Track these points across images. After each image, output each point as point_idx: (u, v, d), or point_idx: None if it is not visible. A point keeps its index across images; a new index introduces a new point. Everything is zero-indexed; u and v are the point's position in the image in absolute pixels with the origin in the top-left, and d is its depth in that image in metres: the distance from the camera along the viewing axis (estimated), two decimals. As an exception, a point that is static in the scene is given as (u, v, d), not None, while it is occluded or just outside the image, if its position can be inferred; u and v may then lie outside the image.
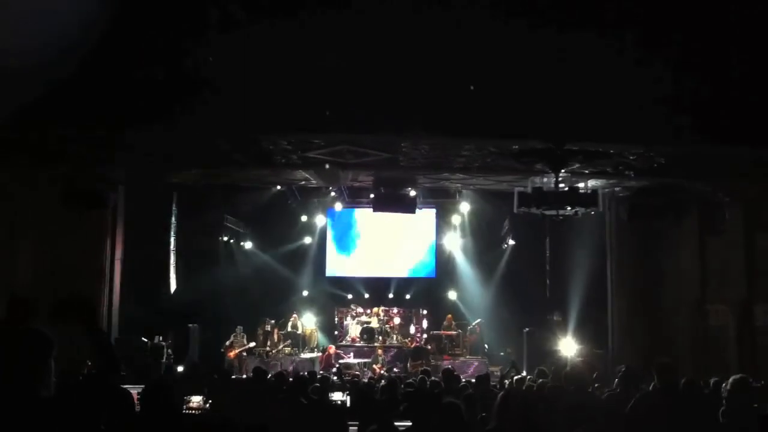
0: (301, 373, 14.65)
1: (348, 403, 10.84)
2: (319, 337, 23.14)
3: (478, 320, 22.45)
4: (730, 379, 7.11)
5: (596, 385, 10.89)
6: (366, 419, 6.96)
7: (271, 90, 11.34)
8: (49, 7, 9.42)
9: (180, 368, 17.19)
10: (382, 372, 19.25)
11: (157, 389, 5.44)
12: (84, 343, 4.10)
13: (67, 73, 10.26)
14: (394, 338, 22.89)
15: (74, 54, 9.99)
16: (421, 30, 10.93)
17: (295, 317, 22.68)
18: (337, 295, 24.75)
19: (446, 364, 20.05)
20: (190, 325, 20.24)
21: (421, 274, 24.92)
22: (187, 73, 11.24)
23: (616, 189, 17.09)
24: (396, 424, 6.46)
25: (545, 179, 14.53)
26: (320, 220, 24.46)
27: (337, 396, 11.13)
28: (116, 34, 10.44)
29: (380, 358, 20.63)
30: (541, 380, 10.09)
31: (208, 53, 11.02)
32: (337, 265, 25.00)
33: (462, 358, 21.47)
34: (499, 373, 18.64)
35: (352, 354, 21.54)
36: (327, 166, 15.20)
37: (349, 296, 24.67)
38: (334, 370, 18.71)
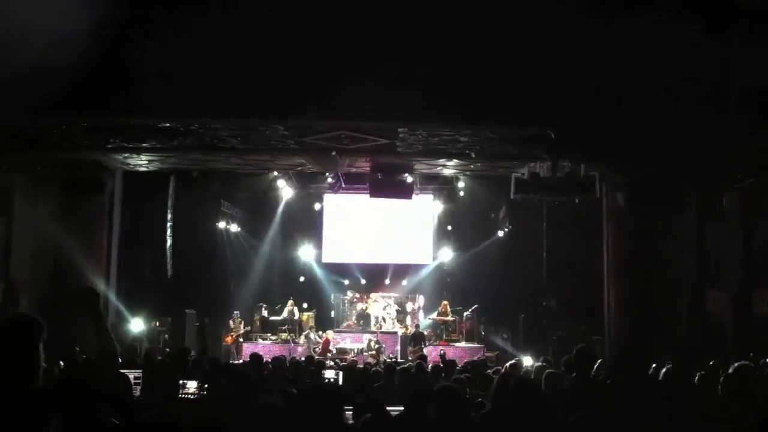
0: (298, 359, 14.73)
1: (340, 381, 10.86)
2: (316, 323, 23.15)
3: (474, 306, 22.46)
4: (732, 367, 7.07)
5: (595, 371, 10.89)
6: (361, 405, 6.94)
7: (272, 76, 11.33)
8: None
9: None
10: (378, 358, 19.26)
11: (157, 376, 5.43)
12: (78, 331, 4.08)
13: (64, 63, 10.22)
14: (391, 324, 22.91)
15: (72, 44, 9.95)
16: (418, 14, 10.88)
17: (291, 303, 22.67)
18: (334, 281, 24.77)
19: (442, 350, 20.10)
20: (187, 310, 20.25)
21: (418, 260, 24.92)
22: (181, 59, 11.20)
23: (614, 175, 17.04)
24: (391, 409, 6.43)
25: (543, 165, 14.50)
26: (317, 205, 24.43)
27: (329, 374, 11.14)
28: (115, 20, 10.40)
29: (372, 344, 20.65)
30: (539, 366, 10.09)
31: (208, 40, 10.98)
32: (333, 251, 24.99)
33: (458, 344, 21.51)
34: (495, 359, 18.70)
35: (348, 340, 21.56)
36: (333, 153, 15.14)
37: (346, 282, 24.70)
38: (331, 355, 18.74)
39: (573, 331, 18.41)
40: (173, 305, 19.98)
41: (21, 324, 3.86)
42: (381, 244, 24.68)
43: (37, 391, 3.75)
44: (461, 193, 22.94)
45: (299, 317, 22.55)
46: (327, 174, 21.16)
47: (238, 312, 21.88)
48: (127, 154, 16.29)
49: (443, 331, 22.20)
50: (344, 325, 23.08)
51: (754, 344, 16.22)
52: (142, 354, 13.67)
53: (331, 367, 12.77)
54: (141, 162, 17.16)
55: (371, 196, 18.14)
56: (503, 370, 10.46)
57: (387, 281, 24.68)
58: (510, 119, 12.21)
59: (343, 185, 22.51)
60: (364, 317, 22.78)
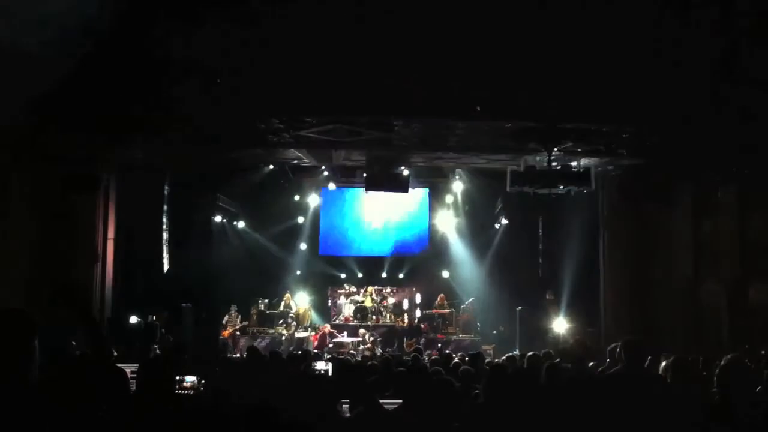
0: (295, 352, 14.72)
1: (330, 372, 10.86)
2: (313, 317, 23.15)
3: (471, 299, 22.48)
4: (725, 359, 7.09)
5: (590, 363, 10.93)
6: (355, 399, 6.95)
7: (266, 72, 11.32)
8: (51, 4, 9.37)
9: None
10: (374, 351, 19.26)
11: (151, 369, 5.42)
12: (73, 327, 4.04)
13: (68, 64, 10.21)
14: (387, 317, 22.93)
15: (76, 45, 9.94)
16: (414, 9, 10.87)
17: (288, 296, 22.69)
18: (331, 275, 24.75)
19: (439, 342, 20.15)
20: (184, 304, 20.23)
21: (414, 253, 24.92)
22: (184, 59, 11.20)
23: (609, 168, 17.07)
24: (386, 403, 6.44)
25: (538, 158, 14.51)
26: (313, 199, 24.41)
27: (320, 366, 11.15)
28: (116, 23, 10.39)
29: (368, 337, 20.68)
30: (533, 357, 10.12)
31: (205, 41, 10.97)
32: (330, 244, 25.00)
33: (455, 337, 21.53)
34: (491, 352, 18.73)
35: (345, 333, 21.58)
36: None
37: (343, 275, 24.67)
38: (327, 349, 18.74)
39: (569, 324, 18.47)
40: (170, 300, 19.95)
41: (14, 320, 3.84)
42: (377, 238, 24.72)
43: (33, 388, 3.74)
44: (457, 186, 22.94)
45: (296, 311, 22.56)
46: (323, 167, 21.13)
47: (235, 306, 21.89)
48: (122, 149, 16.26)
49: (440, 324, 22.23)
50: (341, 318, 23.08)
51: (750, 336, 16.26)
52: (139, 348, 13.66)
53: (322, 359, 12.76)
54: (136, 157, 17.13)
55: (367, 190, 18.14)
56: (498, 362, 10.50)
57: (384, 274, 24.66)
58: (503, 113, 12.21)
59: (339, 178, 22.50)
60: (360, 311, 22.79)
